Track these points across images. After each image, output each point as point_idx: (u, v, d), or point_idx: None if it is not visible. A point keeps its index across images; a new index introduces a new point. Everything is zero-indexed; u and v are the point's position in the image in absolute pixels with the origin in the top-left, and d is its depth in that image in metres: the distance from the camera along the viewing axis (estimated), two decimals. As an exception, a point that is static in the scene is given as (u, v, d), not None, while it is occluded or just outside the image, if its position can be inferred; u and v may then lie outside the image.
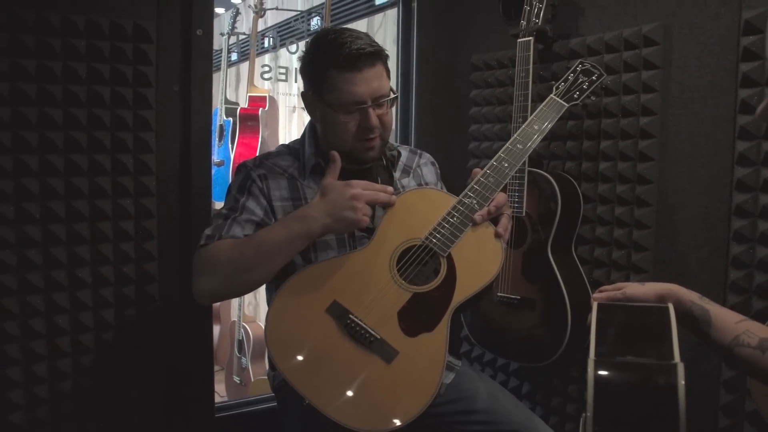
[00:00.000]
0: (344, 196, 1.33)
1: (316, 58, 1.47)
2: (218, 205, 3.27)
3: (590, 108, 1.81)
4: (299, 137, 1.63)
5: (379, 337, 1.34)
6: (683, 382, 0.93)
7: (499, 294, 1.85)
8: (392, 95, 1.49)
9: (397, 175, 1.62)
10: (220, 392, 3.53)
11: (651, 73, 1.67)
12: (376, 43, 1.46)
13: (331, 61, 1.42)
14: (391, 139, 1.72)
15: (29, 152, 1.61)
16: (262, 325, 2.80)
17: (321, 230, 1.35)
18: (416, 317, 1.35)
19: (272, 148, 3.24)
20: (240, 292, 1.69)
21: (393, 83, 2.31)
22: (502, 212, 1.47)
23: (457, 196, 1.45)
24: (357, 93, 1.41)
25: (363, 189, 1.35)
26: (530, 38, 1.78)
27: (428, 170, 1.71)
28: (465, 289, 1.38)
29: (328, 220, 1.34)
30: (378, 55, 1.45)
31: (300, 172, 1.54)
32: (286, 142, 1.67)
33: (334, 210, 1.33)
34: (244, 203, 1.47)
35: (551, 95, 1.65)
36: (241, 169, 1.55)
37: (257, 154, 1.81)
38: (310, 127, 1.59)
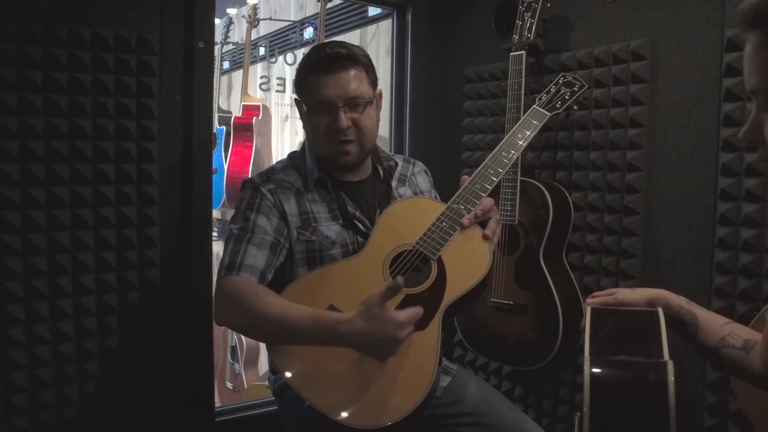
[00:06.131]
0: (389, 334, 1.24)
1: (301, 65, 1.56)
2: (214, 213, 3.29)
3: (580, 120, 1.88)
4: (299, 150, 1.68)
5: None
6: (672, 379, 0.99)
7: (492, 299, 1.91)
8: (368, 99, 1.52)
9: (394, 184, 1.67)
10: (213, 398, 3.53)
11: (639, 86, 1.73)
12: (359, 50, 1.53)
13: (309, 66, 1.51)
14: (385, 149, 1.77)
15: (35, 161, 1.64)
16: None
17: (345, 347, 1.32)
18: None
19: (265, 157, 3.30)
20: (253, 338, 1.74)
21: (387, 94, 2.37)
22: (489, 216, 1.53)
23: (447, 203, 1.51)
24: (327, 94, 1.48)
25: (409, 324, 1.26)
26: (522, 52, 1.84)
27: (422, 178, 1.76)
28: (455, 289, 1.43)
29: (354, 346, 1.30)
30: (354, 59, 1.50)
31: (304, 185, 1.56)
32: (280, 152, 1.72)
33: (370, 341, 1.27)
34: (255, 221, 1.47)
35: (534, 106, 1.73)
36: (247, 185, 1.55)
37: (260, 169, 1.82)
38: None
